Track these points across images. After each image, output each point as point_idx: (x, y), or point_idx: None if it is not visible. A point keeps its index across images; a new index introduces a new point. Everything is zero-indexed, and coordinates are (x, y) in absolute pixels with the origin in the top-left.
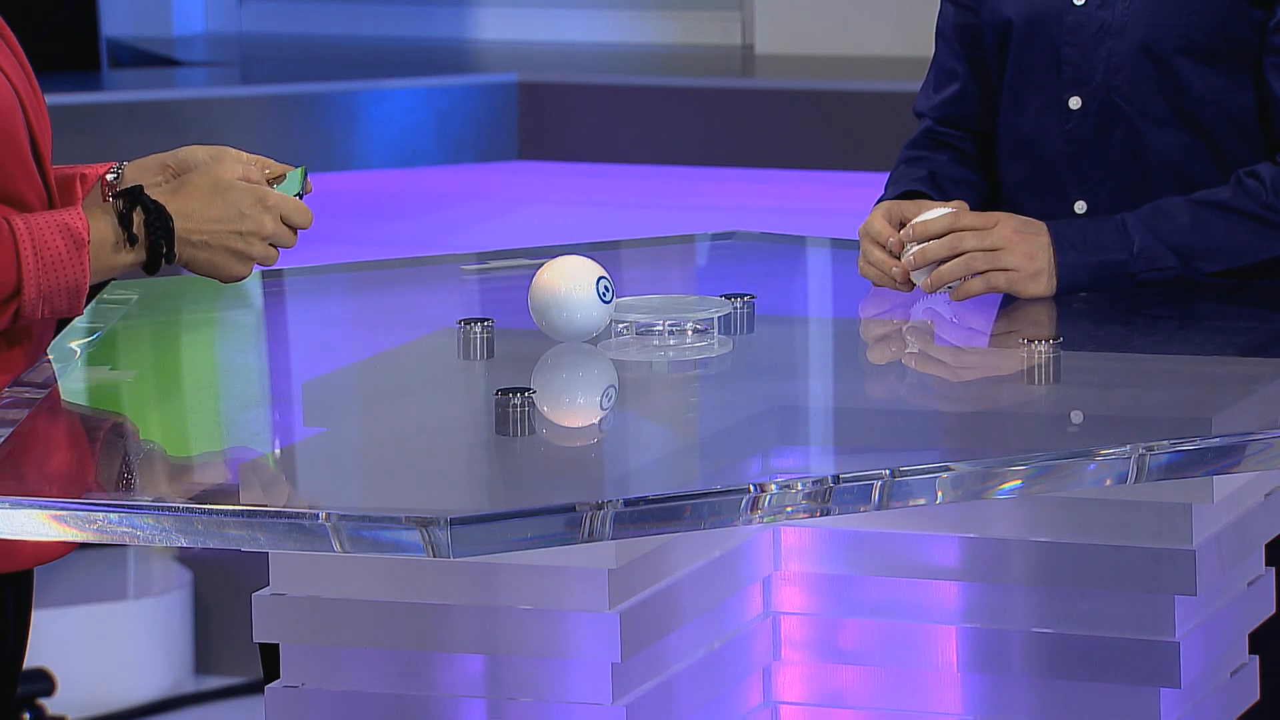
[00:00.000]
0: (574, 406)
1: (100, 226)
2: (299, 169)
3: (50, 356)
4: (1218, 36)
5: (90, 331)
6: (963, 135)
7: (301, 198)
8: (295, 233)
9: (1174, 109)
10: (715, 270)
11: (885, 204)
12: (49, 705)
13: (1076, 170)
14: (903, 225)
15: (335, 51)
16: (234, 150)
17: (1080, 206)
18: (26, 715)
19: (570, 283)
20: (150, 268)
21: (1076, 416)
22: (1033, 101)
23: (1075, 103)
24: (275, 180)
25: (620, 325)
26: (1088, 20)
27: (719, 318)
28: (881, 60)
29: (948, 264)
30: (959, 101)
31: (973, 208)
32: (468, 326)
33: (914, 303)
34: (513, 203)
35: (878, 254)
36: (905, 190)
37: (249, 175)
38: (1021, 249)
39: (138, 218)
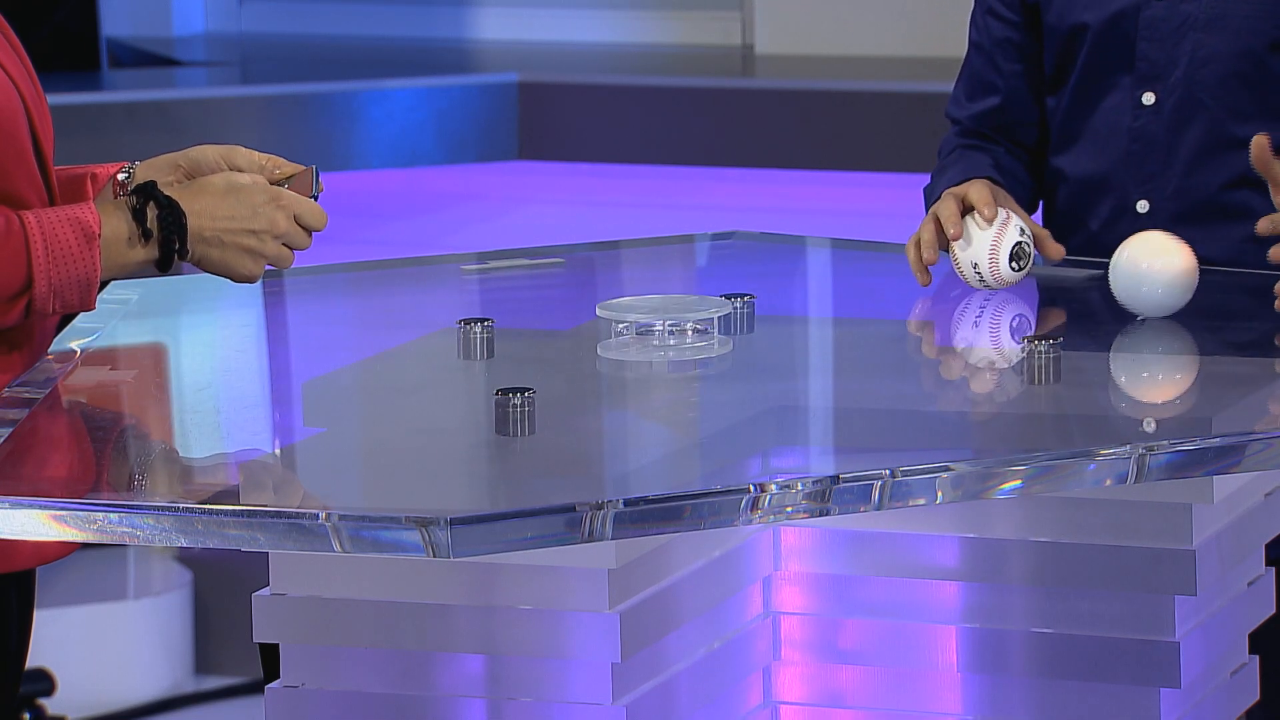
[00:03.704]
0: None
1: (113, 222)
2: (310, 168)
3: (50, 356)
4: None
5: (90, 331)
6: (999, 142)
7: (315, 199)
8: (309, 234)
9: (1262, 104)
10: (715, 270)
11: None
12: (49, 705)
13: (1143, 169)
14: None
15: (335, 51)
16: (244, 149)
17: (1143, 206)
18: (26, 715)
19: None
20: (163, 264)
21: (1150, 424)
22: (1099, 101)
23: (1149, 98)
24: (286, 180)
25: (620, 325)
26: (1169, 14)
27: (719, 318)
28: (881, 60)
29: None
30: (997, 114)
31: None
32: (468, 326)
33: (913, 303)
34: (513, 203)
35: (930, 232)
36: (978, 176)
37: (261, 170)
38: None
39: (151, 213)
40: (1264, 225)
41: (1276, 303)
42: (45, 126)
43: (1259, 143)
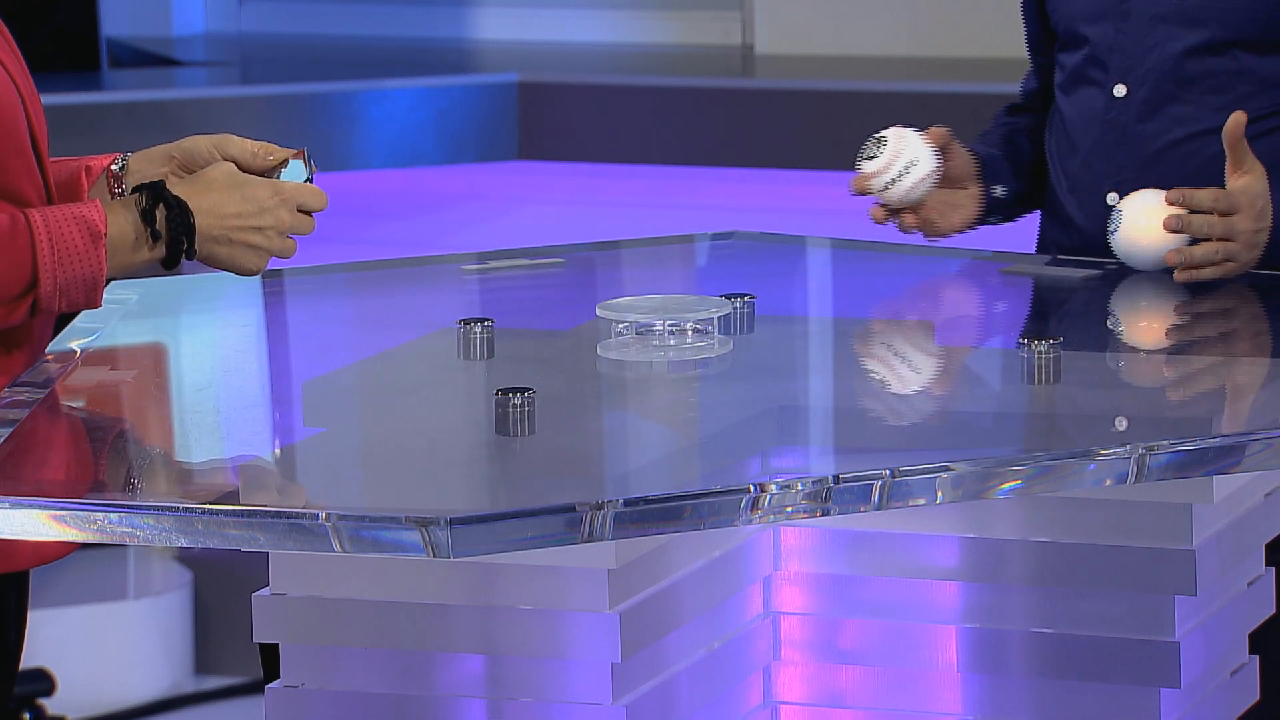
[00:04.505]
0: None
1: (120, 222)
2: (301, 151)
3: (50, 356)
4: (1272, 29)
5: (90, 331)
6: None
7: (310, 183)
8: (313, 218)
9: (1230, 95)
10: (715, 270)
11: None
12: (49, 705)
13: (1113, 160)
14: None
15: (335, 51)
16: (237, 138)
17: (1112, 198)
18: (26, 715)
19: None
20: (169, 264)
21: (1121, 423)
22: (1079, 95)
23: (1120, 90)
24: (280, 165)
25: (620, 325)
26: (1143, 7)
27: (719, 318)
28: (881, 60)
29: (1203, 248)
30: (1039, 95)
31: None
32: (468, 326)
33: (913, 303)
34: (513, 203)
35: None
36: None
37: (254, 158)
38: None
39: (160, 214)
40: (1173, 257)
41: (1176, 272)
42: (40, 123)
43: (1236, 119)
